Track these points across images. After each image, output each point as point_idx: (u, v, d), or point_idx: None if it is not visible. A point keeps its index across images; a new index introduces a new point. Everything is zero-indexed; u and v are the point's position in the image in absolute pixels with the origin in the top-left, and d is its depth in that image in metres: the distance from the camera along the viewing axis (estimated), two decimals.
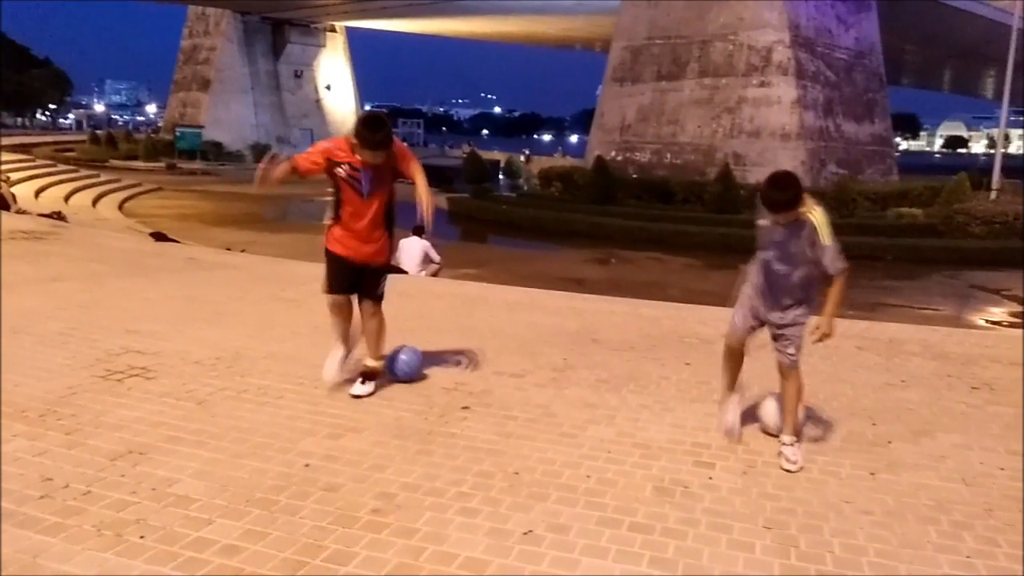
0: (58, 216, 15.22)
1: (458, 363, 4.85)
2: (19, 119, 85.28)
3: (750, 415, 3.94)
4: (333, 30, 57.71)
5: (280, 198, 25.36)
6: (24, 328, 5.19)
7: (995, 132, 46.79)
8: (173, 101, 54.69)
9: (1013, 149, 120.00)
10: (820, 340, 3.47)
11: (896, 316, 11.41)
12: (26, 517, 2.72)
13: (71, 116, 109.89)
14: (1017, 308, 14.08)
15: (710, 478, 3.35)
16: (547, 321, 6.37)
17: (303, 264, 8.86)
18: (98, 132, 57.90)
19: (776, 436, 3.68)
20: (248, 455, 3.36)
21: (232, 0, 50.25)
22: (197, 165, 43.59)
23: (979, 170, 30.12)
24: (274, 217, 23.96)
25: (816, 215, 3.35)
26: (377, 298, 4.18)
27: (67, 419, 3.66)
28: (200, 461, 3.27)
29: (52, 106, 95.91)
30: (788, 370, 3.57)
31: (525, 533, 2.80)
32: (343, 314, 4.17)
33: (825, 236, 3.34)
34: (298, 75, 55.59)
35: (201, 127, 48.68)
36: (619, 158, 29.44)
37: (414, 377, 4.41)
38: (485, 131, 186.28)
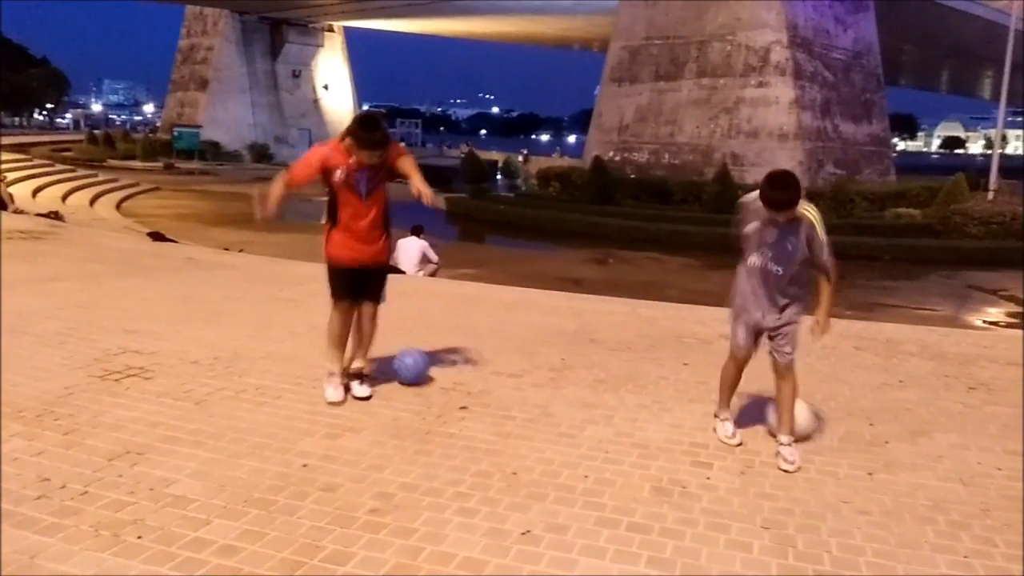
0: (55, 216, 15.20)
1: (456, 363, 4.85)
2: (16, 119, 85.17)
3: (747, 415, 3.94)
4: (331, 30, 57.65)
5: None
6: (21, 328, 5.18)
7: (992, 133, 46.88)
8: (171, 101, 54.62)
9: (1010, 150, 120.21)
10: (822, 333, 3.52)
11: (894, 316, 11.42)
12: (23, 517, 2.72)
13: (68, 116, 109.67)
14: (1014, 308, 14.10)
15: (708, 478, 3.35)
16: (545, 321, 6.37)
17: (301, 264, 8.86)
18: (96, 132, 57.79)
19: (799, 441, 3.68)
20: (246, 455, 3.36)
21: (230, 0, 50.22)
22: (195, 165, 43.51)
23: (976, 170, 30.14)
24: (272, 217, 23.87)
25: (812, 212, 3.41)
26: (378, 300, 4.17)
27: (64, 419, 3.65)
28: (198, 461, 3.27)
29: (49, 106, 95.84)
30: (786, 370, 3.58)
31: (523, 533, 2.80)
32: (348, 322, 4.12)
33: (822, 232, 3.40)
34: (296, 75, 55.53)
35: (199, 127, 48.61)
36: (617, 158, 29.44)
37: (420, 382, 4.38)
38: (483, 131, 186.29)
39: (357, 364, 4.21)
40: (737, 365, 3.73)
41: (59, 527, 2.67)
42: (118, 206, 23.94)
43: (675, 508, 3.06)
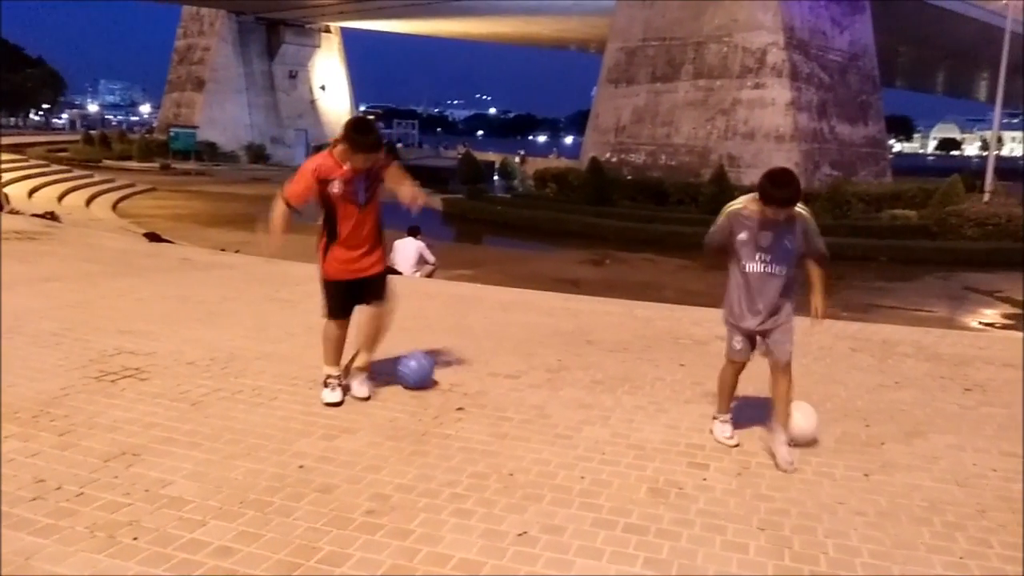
0: (51, 216, 15.15)
1: (452, 364, 4.85)
2: (12, 119, 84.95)
3: (744, 416, 3.94)
4: (328, 31, 57.57)
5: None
6: (17, 328, 5.17)
7: (988, 134, 46.98)
8: (167, 101, 54.49)
9: (1006, 151, 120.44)
10: (821, 319, 3.62)
11: (890, 318, 11.43)
12: (19, 519, 2.71)
13: (65, 116, 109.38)
14: (1010, 310, 14.12)
15: (704, 479, 3.36)
16: (542, 322, 6.37)
17: (297, 264, 8.84)
18: (92, 132, 57.60)
19: (804, 446, 3.68)
20: (242, 456, 3.36)
21: (227, 0, 50.15)
22: (191, 165, 43.42)
23: (972, 172, 30.21)
24: (269, 218, 23.84)
25: (805, 209, 3.51)
26: (382, 300, 4.12)
27: (60, 420, 3.64)
28: (194, 462, 3.26)
29: (46, 106, 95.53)
30: (784, 368, 3.58)
31: (520, 534, 2.80)
32: (343, 330, 4.11)
33: (814, 222, 3.54)
34: (293, 76, 55.43)
35: (195, 127, 48.51)
36: (614, 159, 29.46)
37: (424, 386, 4.35)
38: (480, 132, 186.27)
39: (359, 363, 4.21)
40: (735, 369, 3.74)
41: (55, 528, 2.67)
42: (114, 207, 23.88)
43: (671, 509, 3.06)
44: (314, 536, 2.72)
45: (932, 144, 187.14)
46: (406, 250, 10.53)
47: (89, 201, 23.54)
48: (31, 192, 21.72)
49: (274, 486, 3.08)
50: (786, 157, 25.77)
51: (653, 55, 29.49)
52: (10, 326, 5.20)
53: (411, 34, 67.18)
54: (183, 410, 3.87)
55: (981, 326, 12.54)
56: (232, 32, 52.36)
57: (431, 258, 10.78)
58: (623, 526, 2.91)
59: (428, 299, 7.18)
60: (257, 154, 49.27)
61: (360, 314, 4.15)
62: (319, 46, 57.11)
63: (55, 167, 29.36)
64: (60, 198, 22.32)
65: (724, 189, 23.69)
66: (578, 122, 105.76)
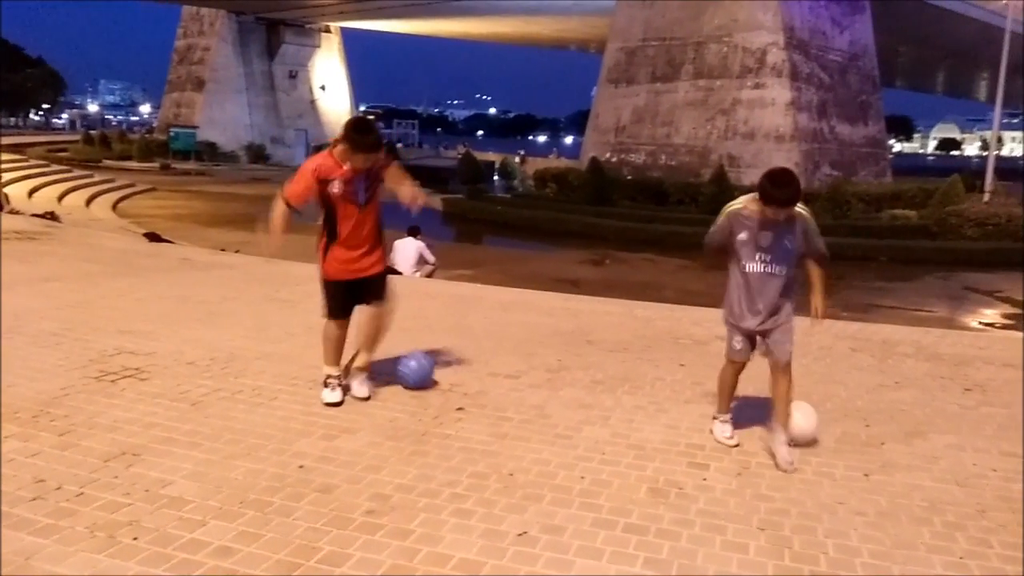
0: (51, 216, 15.15)
1: (453, 364, 4.85)
2: (12, 119, 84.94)
3: (744, 416, 3.94)
4: (328, 31, 57.57)
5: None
6: (17, 328, 5.17)
7: (988, 135, 46.98)
8: (167, 101, 54.48)
9: (1006, 151, 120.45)
10: (821, 318, 3.62)
11: (890, 317, 11.43)
12: (19, 519, 2.71)
13: (65, 116, 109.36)
14: (1010, 310, 14.12)
15: (704, 479, 3.36)
16: (542, 322, 6.37)
17: (298, 264, 8.83)
18: (92, 132, 57.59)
19: (804, 446, 3.68)
20: (242, 456, 3.36)
21: (227, 0, 50.15)
22: (191, 165, 43.41)
23: (972, 172, 30.20)
24: (269, 218, 23.84)
25: (805, 209, 3.52)
26: (382, 300, 4.12)
27: (60, 420, 3.64)
28: (194, 462, 3.27)
29: (46, 106, 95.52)
30: (784, 368, 3.58)
31: (520, 534, 2.80)
32: (343, 330, 4.11)
33: (813, 221, 3.54)
34: (293, 76, 55.44)
35: (195, 127, 48.51)
36: (614, 159, 29.46)
37: (424, 386, 4.36)
38: (480, 132, 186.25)
39: (359, 363, 4.21)
40: (735, 370, 3.75)
41: (55, 528, 2.67)
42: (114, 207, 23.88)
43: (671, 509, 3.06)
44: (314, 536, 2.72)
45: (932, 144, 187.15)
46: (406, 250, 10.53)
47: (89, 201, 23.55)
48: (31, 192, 21.73)
49: (274, 486, 3.08)
50: (786, 157, 25.76)
51: (653, 55, 29.49)
52: (10, 326, 5.20)
53: (411, 34, 67.15)
54: (183, 410, 3.87)
55: (981, 326, 12.54)
56: (232, 32, 52.36)
57: (431, 258, 10.78)
58: (623, 526, 2.91)
59: (428, 299, 7.18)
60: (257, 154, 49.26)
61: (360, 314, 4.14)
62: (319, 46, 57.11)
63: (55, 167, 29.36)
64: (60, 198, 22.33)
65: (724, 189, 23.68)
66: (578, 122, 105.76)
